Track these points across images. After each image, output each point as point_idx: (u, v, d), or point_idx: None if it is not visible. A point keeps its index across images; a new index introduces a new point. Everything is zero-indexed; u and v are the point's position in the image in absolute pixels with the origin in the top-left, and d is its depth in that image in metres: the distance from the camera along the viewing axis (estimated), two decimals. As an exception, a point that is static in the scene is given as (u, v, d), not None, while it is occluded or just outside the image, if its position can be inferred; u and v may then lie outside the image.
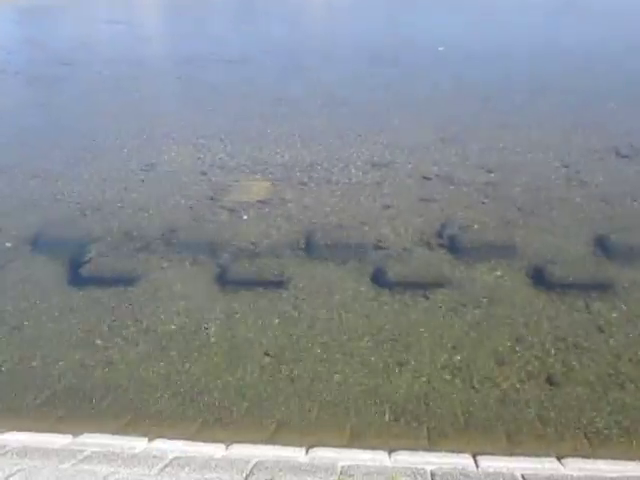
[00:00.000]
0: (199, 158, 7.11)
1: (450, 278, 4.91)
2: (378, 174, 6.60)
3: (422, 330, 4.36)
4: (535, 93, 8.57)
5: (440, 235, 5.51)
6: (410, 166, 6.76)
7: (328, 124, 7.81)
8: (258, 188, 6.34)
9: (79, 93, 9.29)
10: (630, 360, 3.88)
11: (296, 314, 4.57)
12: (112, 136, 7.70)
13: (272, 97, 8.81)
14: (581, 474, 2.85)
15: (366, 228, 5.61)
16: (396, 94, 8.71)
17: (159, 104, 8.88)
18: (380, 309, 4.60)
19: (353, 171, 6.65)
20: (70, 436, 3.31)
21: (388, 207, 5.98)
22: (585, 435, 3.40)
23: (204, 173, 6.75)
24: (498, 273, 4.95)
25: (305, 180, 6.49)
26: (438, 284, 4.85)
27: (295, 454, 3.06)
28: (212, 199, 6.21)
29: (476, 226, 5.57)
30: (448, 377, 3.88)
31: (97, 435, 3.27)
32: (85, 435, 3.31)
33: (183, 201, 6.19)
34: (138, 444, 3.17)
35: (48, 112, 8.58)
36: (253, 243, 5.50)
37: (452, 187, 6.30)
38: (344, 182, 6.43)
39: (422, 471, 2.79)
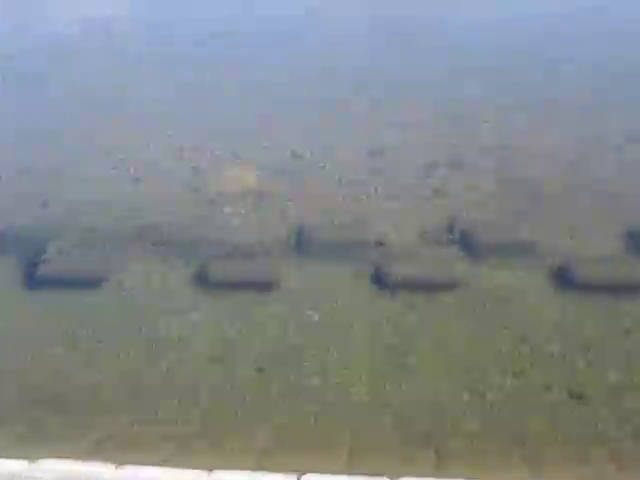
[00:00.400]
0: (176, 143, 7.09)
1: (461, 278, 4.91)
2: (379, 161, 6.58)
3: (429, 337, 4.38)
4: (551, 69, 8.33)
5: (450, 230, 5.49)
6: (415, 151, 6.73)
7: (324, 105, 7.74)
8: (245, 179, 6.35)
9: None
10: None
11: (288, 320, 4.59)
12: (74, 118, 7.41)
13: (255, 71, 8.50)
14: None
15: (366, 223, 5.60)
16: (395, 71, 8.43)
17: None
18: (382, 313, 4.61)
19: (350, 157, 6.64)
20: (25, 462, 3.26)
21: (391, 198, 5.99)
22: (612, 459, 3.37)
23: (182, 159, 6.71)
24: (515, 272, 4.95)
25: (296, 168, 6.47)
26: (447, 285, 4.86)
27: (286, 482, 3.09)
28: (191, 190, 6.18)
29: (490, 220, 5.56)
30: (458, 390, 3.91)
31: (55, 461, 3.21)
32: (42, 461, 3.25)
33: (157, 193, 6.16)
34: (105, 471, 3.13)
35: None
36: (237, 240, 5.48)
37: (462, 175, 6.29)
38: (340, 170, 6.42)
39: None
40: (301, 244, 5.40)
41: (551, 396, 3.86)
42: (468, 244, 5.33)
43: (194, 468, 3.15)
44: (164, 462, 3.31)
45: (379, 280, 4.94)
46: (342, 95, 7.75)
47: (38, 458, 3.26)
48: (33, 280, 4.97)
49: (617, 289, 4.62)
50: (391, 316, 4.60)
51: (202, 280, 5.02)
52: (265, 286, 4.94)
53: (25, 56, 8.57)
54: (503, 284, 4.86)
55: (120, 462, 3.26)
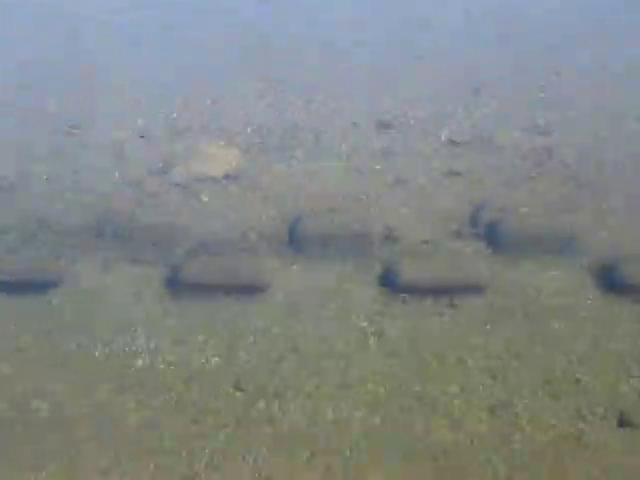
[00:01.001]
0: (141, 115, 7.12)
1: (487, 281, 4.90)
2: (388, 138, 6.66)
3: (448, 352, 4.35)
4: (595, 31, 8.61)
5: (473, 222, 5.50)
6: (432, 127, 6.81)
7: (322, 71, 7.82)
8: (224, 158, 6.36)
9: None
10: None
11: (277, 332, 4.58)
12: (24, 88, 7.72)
13: (246, 32, 8.79)
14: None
15: (372, 213, 5.63)
16: (411, 33, 8.74)
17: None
18: (391, 323, 4.60)
19: (354, 134, 6.72)
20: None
21: (402, 184, 6.02)
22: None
23: (148, 137, 6.78)
24: (553, 273, 4.94)
25: (289, 146, 6.54)
26: (471, 289, 4.85)
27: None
28: (161, 172, 6.24)
29: (523, 209, 5.53)
30: (484, 417, 3.88)
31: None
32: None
33: (120, 176, 6.22)
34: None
35: None
36: (217, 235, 5.48)
37: (489, 155, 6.34)
38: (342, 149, 6.51)
39: None
40: (295, 238, 5.41)
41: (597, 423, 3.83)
42: (496, 238, 5.32)
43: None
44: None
45: (389, 282, 4.95)
46: (343, 61, 7.94)
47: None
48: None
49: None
50: (403, 329, 4.59)
51: (174, 283, 5.03)
52: (251, 291, 4.93)
53: None
54: (540, 287, 4.85)
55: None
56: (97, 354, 4.42)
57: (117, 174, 6.18)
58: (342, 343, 4.50)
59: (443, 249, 5.24)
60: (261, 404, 4.09)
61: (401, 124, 6.72)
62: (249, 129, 6.73)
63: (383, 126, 6.69)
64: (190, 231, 5.50)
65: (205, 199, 5.87)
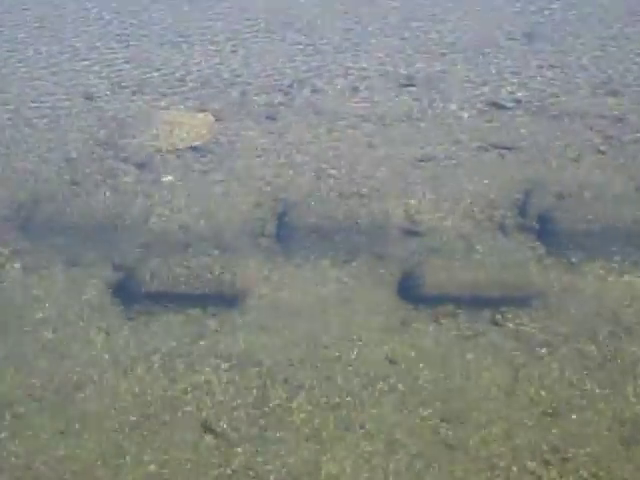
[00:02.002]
0: (82, 69, 7.22)
1: (541, 289, 4.90)
2: (408, 100, 6.66)
3: (489, 384, 4.32)
4: None
5: (522, 211, 5.50)
6: (466, 84, 6.86)
7: (320, 8, 7.98)
8: (190, 125, 6.34)
9: None
10: None
11: (259, 356, 4.55)
12: None
13: None
14: None
15: (386, 198, 5.62)
16: None
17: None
18: (411, 344, 4.59)
19: (363, 94, 6.74)
20: None
21: (428, 160, 6.03)
22: None
23: (92, 97, 6.86)
24: (629, 279, 4.92)
25: (275, 110, 6.56)
26: (518, 300, 4.83)
27: None
28: (106, 145, 6.23)
29: (586, 194, 5.54)
30: (537, 470, 3.84)
31: None
32: None
33: (55, 149, 6.24)
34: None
35: None
36: (182, 227, 5.48)
37: (544, 122, 6.33)
38: (347, 113, 6.51)
39: None
40: (284, 232, 5.44)
41: None
42: (552, 233, 5.32)
43: None
44: None
45: (409, 292, 4.95)
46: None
47: None
48: None
49: None
50: (427, 361, 4.53)
51: (124, 291, 5.03)
52: (224, 301, 4.91)
53: None
54: (611, 298, 4.81)
55: None
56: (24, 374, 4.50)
57: (49, 147, 6.38)
58: (344, 385, 4.40)
59: (481, 247, 5.25)
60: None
61: (429, 79, 6.72)
62: (223, 87, 6.74)
63: (406, 82, 6.71)
64: (146, 223, 5.50)
65: (166, 180, 5.88)
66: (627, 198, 5.55)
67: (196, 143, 6.21)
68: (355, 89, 6.89)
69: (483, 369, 4.46)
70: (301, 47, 7.43)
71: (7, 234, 5.47)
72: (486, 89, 6.82)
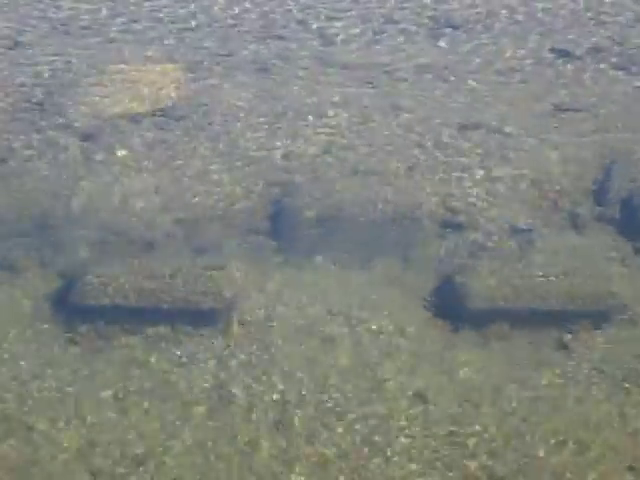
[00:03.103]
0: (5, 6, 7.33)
1: (626, 301, 4.96)
2: (448, 45, 6.77)
3: (566, 437, 4.37)
4: None
5: (600, 197, 5.58)
6: (522, 26, 7.01)
7: None
8: (153, 81, 6.40)
9: None
10: None
11: (238, 393, 4.62)
12: None
13: None
14: None
15: (416, 178, 5.67)
16: None
17: None
18: (450, 378, 4.59)
19: (386, 39, 6.78)
20: None
21: (471, 128, 6.12)
22: None
23: (21, 44, 6.87)
24: None
25: (264, 61, 6.64)
26: (595, 315, 4.89)
27: None
28: (41, 108, 6.30)
29: None
30: None
31: None
32: None
33: None
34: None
35: None
36: (144, 220, 5.51)
37: (622, 77, 6.47)
38: (363, 65, 6.58)
39: None
40: (279, 226, 5.47)
41: None
42: (638, 226, 5.38)
43: None
44: None
45: (449, 305, 4.96)
46: None
47: None
48: None
49: None
50: (475, 389, 4.59)
51: (65, 305, 5.06)
52: (200, 318, 4.93)
53: None
54: None
55: None
56: None
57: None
58: (357, 442, 4.44)
59: (545, 245, 5.33)
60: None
61: (467, 20, 6.83)
62: (198, 30, 6.82)
63: (441, 24, 6.86)
64: (95, 214, 5.56)
65: (121, 155, 5.95)
66: None
67: (162, 106, 6.25)
68: (376, 32, 7.00)
69: (546, 411, 4.51)
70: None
71: None
72: (545, 33, 7.06)
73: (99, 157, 5.93)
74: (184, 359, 4.78)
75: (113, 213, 5.59)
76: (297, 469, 4.36)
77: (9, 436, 4.58)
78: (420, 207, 5.52)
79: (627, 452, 4.37)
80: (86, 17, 7.29)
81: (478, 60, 6.84)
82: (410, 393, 4.62)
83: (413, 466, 4.35)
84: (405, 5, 7.36)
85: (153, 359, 4.81)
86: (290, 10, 7.35)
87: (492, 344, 4.82)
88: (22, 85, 6.59)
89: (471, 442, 4.44)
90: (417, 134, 6.13)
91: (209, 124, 6.17)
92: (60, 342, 4.95)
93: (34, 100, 6.42)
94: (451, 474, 4.32)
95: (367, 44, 6.99)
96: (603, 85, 6.48)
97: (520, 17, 7.29)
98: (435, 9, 7.37)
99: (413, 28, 7.14)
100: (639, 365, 4.78)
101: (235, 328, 4.95)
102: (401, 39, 7.05)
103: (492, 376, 4.67)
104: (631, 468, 4.29)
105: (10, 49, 6.96)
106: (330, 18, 7.26)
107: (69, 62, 6.79)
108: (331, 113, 6.36)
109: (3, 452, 4.61)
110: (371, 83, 6.59)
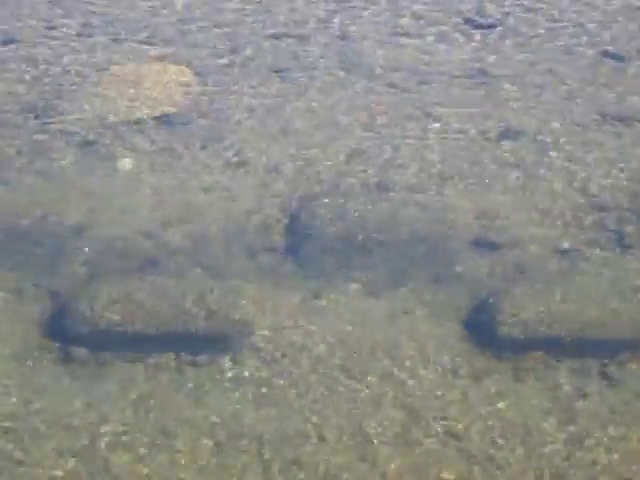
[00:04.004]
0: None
1: None
2: (482, 42, 6.85)
3: None
4: None
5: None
6: (556, 26, 7.01)
7: None
8: (158, 84, 6.44)
9: None
10: None
11: (249, 427, 4.52)
12: None
13: None
14: None
15: (449, 194, 5.74)
16: None
17: None
18: (479, 412, 4.56)
19: (412, 40, 6.82)
20: None
21: (506, 137, 6.14)
22: None
23: (15, 41, 6.90)
24: None
25: (278, 63, 6.69)
26: None
27: None
28: (36, 112, 6.39)
29: None
30: None
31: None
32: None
33: None
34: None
35: None
36: (147, 236, 5.54)
37: None
38: (387, 67, 6.57)
39: None
40: (295, 245, 5.52)
41: None
42: None
43: None
44: None
45: (483, 331, 4.97)
46: None
47: None
48: None
49: None
50: (509, 424, 4.55)
51: (59, 330, 5.03)
52: (208, 345, 4.91)
53: None
54: None
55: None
56: None
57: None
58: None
59: (587, 266, 5.27)
60: None
61: (503, 19, 6.82)
62: (207, 29, 6.81)
63: (474, 24, 6.88)
64: (91, 229, 5.52)
65: (122, 165, 5.85)
66: None
67: (167, 111, 6.20)
68: (403, 34, 6.88)
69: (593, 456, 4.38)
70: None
71: None
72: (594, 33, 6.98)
73: (97, 166, 5.85)
74: (190, 389, 4.70)
75: (113, 227, 5.52)
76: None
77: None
78: (452, 224, 5.43)
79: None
80: (86, 15, 7.21)
81: (515, 62, 6.74)
82: (441, 430, 4.53)
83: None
84: (435, 2, 7.28)
85: (155, 389, 4.71)
86: (308, 7, 7.29)
87: (527, 374, 4.74)
88: (15, 87, 6.54)
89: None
90: (448, 144, 6.03)
91: (218, 131, 6.11)
92: (52, 369, 4.90)
93: (28, 104, 6.34)
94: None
95: (393, 44, 6.89)
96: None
97: (560, 16, 7.21)
98: (468, 8, 7.30)
99: (444, 27, 7.07)
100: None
101: (246, 356, 4.80)
102: (430, 39, 6.97)
103: (524, 409, 4.63)
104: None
105: (2, 48, 6.91)
106: (352, 16, 7.18)
107: (67, 63, 6.73)
108: (353, 120, 6.29)
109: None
110: (397, 87, 6.52)
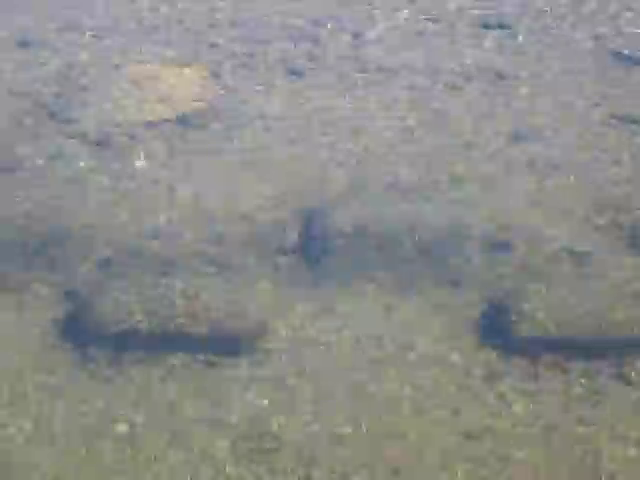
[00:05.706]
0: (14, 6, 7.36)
1: None
2: (494, 38, 6.93)
3: None
4: None
5: None
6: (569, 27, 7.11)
7: None
8: (174, 85, 6.47)
9: None
10: None
11: (267, 431, 4.50)
12: None
13: None
14: None
15: (463, 194, 5.76)
16: None
17: None
18: (494, 413, 4.57)
19: (427, 39, 6.89)
20: None
21: (522, 138, 6.20)
22: None
23: (29, 44, 6.94)
24: None
25: (294, 63, 6.71)
26: None
27: None
28: (50, 113, 6.44)
29: None
30: None
31: None
32: None
33: None
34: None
35: None
36: (164, 237, 5.56)
37: None
38: (403, 67, 6.63)
39: None
40: (311, 246, 5.53)
41: None
42: None
43: None
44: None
45: (497, 333, 4.97)
46: None
47: None
48: None
49: None
50: (524, 427, 4.52)
51: (75, 332, 5.01)
52: (224, 347, 4.91)
53: None
54: None
55: None
56: None
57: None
58: None
59: (604, 268, 5.28)
60: None
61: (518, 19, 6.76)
62: (223, 29, 6.84)
63: (489, 24, 6.89)
64: (108, 231, 5.55)
65: (139, 166, 5.91)
66: None
67: (183, 111, 6.24)
68: (417, 33, 6.92)
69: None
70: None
71: None
72: (604, 34, 7.05)
73: (113, 167, 5.89)
74: (206, 390, 4.71)
75: (129, 229, 5.54)
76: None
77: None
78: (467, 225, 5.44)
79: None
80: (100, 15, 7.25)
81: (529, 63, 6.73)
82: (457, 431, 4.51)
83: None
84: (449, 2, 7.26)
85: (172, 391, 4.73)
86: (323, 7, 7.30)
87: (544, 375, 4.73)
88: (30, 88, 6.59)
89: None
90: (463, 144, 6.06)
91: (234, 132, 6.15)
92: (69, 372, 4.88)
93: (43, 105, 6.39)
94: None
95: (408, 45, 6.90)
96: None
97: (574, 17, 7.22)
98: (482, 7, 7.30)
99: (458, 27, 7.09)
100: None
101: (263, 357, 4.83)
102: (445, 40, 6.99)
103: (541, 413, 4.58)
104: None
105: (17, 49, 6.95)
106: (367, 16, 7.20)
107: (81, 64, 6.78)
108: (369, 121, 6.30)
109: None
110: (412, 88, 6.54)
